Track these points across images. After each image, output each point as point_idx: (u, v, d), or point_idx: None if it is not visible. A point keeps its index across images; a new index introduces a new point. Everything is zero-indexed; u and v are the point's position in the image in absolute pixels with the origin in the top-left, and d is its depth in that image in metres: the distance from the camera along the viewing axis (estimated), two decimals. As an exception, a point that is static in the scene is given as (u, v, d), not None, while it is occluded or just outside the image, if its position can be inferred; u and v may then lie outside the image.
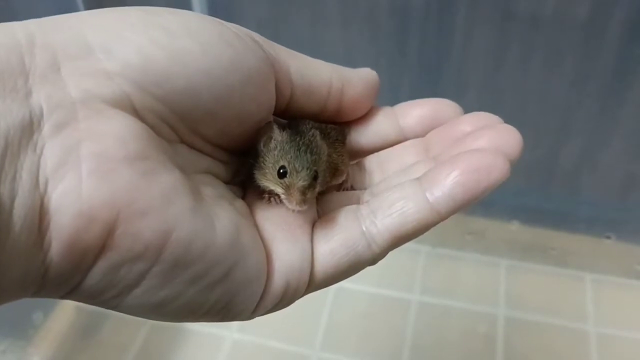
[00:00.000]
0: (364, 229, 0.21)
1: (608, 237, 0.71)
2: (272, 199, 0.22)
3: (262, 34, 0.21)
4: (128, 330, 0.66)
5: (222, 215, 0.19)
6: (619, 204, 0.74)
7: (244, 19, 0.68)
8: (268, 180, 0.22)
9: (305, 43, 0.69)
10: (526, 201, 0.76)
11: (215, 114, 0.19)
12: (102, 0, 0.69)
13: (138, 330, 0.65)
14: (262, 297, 0.20)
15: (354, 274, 0.22)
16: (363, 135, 0.25)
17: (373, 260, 0.21)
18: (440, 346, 0.63)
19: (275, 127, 0.22)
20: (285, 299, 0.21)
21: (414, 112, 0.25)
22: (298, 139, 0.22)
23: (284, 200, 0.22)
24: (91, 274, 0.16)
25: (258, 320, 0.23)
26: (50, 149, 0.16)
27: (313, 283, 0.21)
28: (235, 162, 0.23)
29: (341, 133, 0.25)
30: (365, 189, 0.25)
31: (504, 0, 0.60)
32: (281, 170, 0.21)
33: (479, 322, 0.65)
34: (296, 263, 0.20)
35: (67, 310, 0.67)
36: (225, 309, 0.19)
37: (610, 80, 0.63)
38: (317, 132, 0.23)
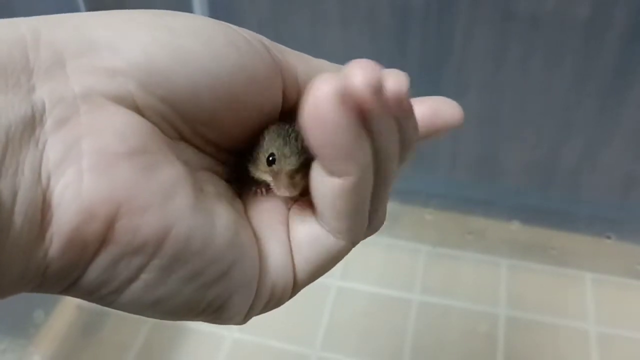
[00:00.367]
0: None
1: (608, 237, 0.71)
2: (258, 190, 0.22)
3: (262, 34, 0.21)
4: (129, 329, 0.66)
5: (223, 214, 0.19)
6: (620, 204, 0.74)
7: (245, 18, 0.68)
8: (259, 171, 0.22)
9: (306, 43, 0.69)
10: (526, 201, 0.76)
11: (218, 117, 0.19)
12: (104, 0, 0.69)
13: (139, 328, 0.66)
14: (254, 299, 0.20)
15: (330, 263, 0.21)
16: None
17: (344, 249, 0.21)
18: (440, 345, 0.63)
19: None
20: (272, 301, 0.21)
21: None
22: (287, 126, 0.22)
23: (273, 188, 0.21)
24: (91, 268, 0.16)
25: (258, 319, 0.23)
26: (52, 144, 0.16)
27: (296, 281, 0.21)
28: (235, 162, 0.23)
29: None
30: None
31: (504, 0, 0.60)
32: (270, 158, 0.21)
33: (479, 322, 0.65)
34: (281, 261, 0.20)
35: (68, 309, 0.67)
36: (221, 309, 0.19)
37: (611, 80, 0.63)
38: None
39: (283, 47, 0.22)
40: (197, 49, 0.18)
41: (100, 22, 0.18)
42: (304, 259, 0.20)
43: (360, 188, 0.18)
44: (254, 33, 0.20)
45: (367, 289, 0.69)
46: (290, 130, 0.21)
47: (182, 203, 0.17)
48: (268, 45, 0.21)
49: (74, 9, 0.65)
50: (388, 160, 0.19)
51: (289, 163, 0.21)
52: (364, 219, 0.20)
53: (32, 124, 0.16)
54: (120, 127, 0.17)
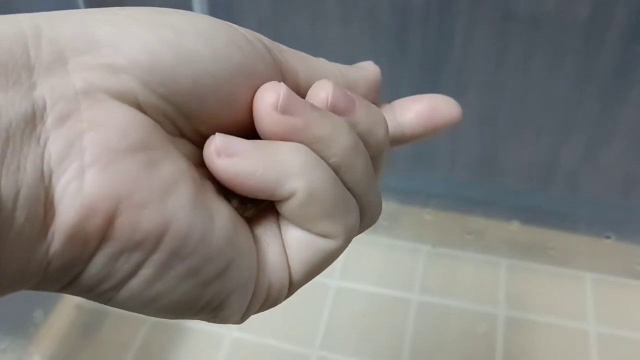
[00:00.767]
0: None
1: (608, 237, 0.71)
2: None
3: (262, 33, 0.21)
4: (128, 328, 0.66)
5: (222, 211, 0.19)
6: (620, 204, 0.74)
7: (245, 17, 0.68)
8: None
9: (306, 42, 0.69)
10: (526, 201, 0.76)
11: (219, 117, 0.19)
12: (103, 0, 0.69)
13: (138, 328, 0.66)
14: (251, 298, 0.20)
15: (328, 264, 0.21)
16: None
17: (337, 249, 0.21)
18: (440, 345, 0.63)
19: None
20: (268, 301, 0.21)
21: (412, 107, 0.25)
22: None
23: None
24: (91, 264, 0.16)
25: (258, 319, 0.23)
26: (54, 140, 0.16)
27: (292, 280, 0.21)
28: None
29: None
30: None
31: (504, 0, 0.60)
32: None
33: (478, 322, 0.65)
34: (276, 262, 0.20)
35: (67, 309, 0.67)
36: (219, 308, 0.19)
37: (611, 80, 0.63)
38: None
39: (283, 46, 0.22)
40: (199, 48, 0.18)
41: (102, 19, 0.18)
42: (298, 260, 0.20)
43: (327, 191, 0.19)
44: (254, 32, 0.20)
45: (366, 289, 0.69)
46: None
47: (182, 199, 0.17)
48: (268, 44, 0.21)
49: (73, 7, 0.65)
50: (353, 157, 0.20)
51: None
52: (350, 215, 0.20)
53: (33, 121, 0.15)
54: (122, 123, 0.17)
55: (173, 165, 0.17)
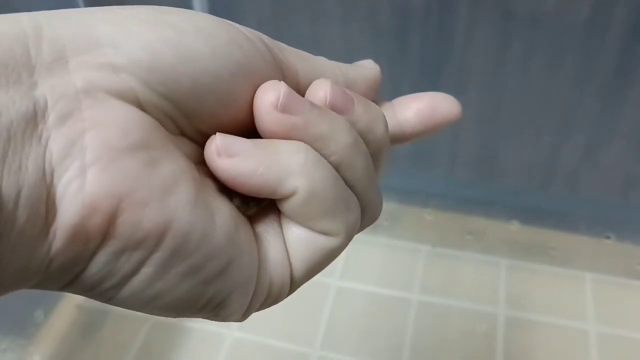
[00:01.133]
0: None
1: (608, 237, 0.71)
2: None
3: (262, 33, 0.21)
4: (129, 328, 0.66)
5: (223, 209, 0.19)
6: (620, 204, 0.74)
7: (245, 17, 0.68)
8: None
9: (306, 42, 0.69)
10: (526, 201, 0.76)
11: (219, 116, 0.19)
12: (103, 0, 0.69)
13: (139, 328, 0.66)
14: (252, 296, 0.20)
15: (329, 262, 0.21)
16: None
17: (338, 247, 0.21)
18: (440, 345, 0.64)
19: None
20: (269, 299, 0.21)
21: (412, 106, 0.25)
22: None
23: None
24: (92, 262, 0.16)
25: (258, 318, 0.23)
26: (55, 139, 0.16)
27: (292, 281, 0.21)
28: None
29: None
30: None
31: (504, -1, 0.60)
32: None
33: (479, 322, 0.65)
34: (277, 261, 0.20)
35: (68, 309, 0.68)
36: (220, 306, 0.19)
37: (612, 79, 0.63)
38: None
39: (283, 45, 0.22)
40: (199, 47, 0.18)
41: (102, 19, 0.18)
42: (299, 258, 0.20)
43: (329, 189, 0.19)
44: (255, 31, 0.20)
45: (366, 289, 0.69)
46: None
47: (183, 198, 0.17)
48: (268, 43, 0.21)
49: (73, 6, 0.65)
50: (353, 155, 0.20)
51: None
52: (351, 213, 0.21)
53: (34, 120, 0.16)
54: (123, 122, 0.17)
55: (174, 164, 0.18)
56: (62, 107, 0.16)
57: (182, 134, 0.19)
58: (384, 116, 0.22)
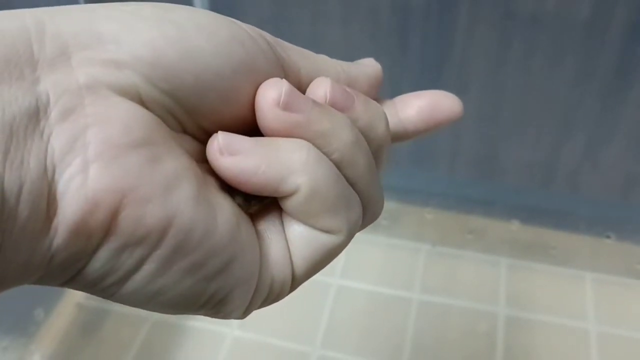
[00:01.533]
0: None
1: (608, 237, 0.71)
2: None
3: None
4: (129, 328, 0.66)
5: (225, 206, 0.19)
6: (620, 204, 0.74)
7: (246, 17, 0.68)
8: None
9: (306, 41, 0.69)
10: (526, 200, 0.76)
11: (221, 113, 0.19)
12: (104, -1, 0.69)
13: (139, 327, 0.66)
14: (253, 294, 0.20)
15: (331, 260, 0.21)
16: None
17: (340, 245, 0.21)
18: (440, 344, 0.64)
19: None
20: (271, 296, 0.21)
21: (414, 103, 0.25)
22: None
23: None
24: (94, 259, 0.16)
25: (259, 317, 0.23)
26: (57, 135, 0.16)
27: (294, 279, 0.21)
28: None
29: None
30: None
31: (505, -1, 0.60)
32: None
33: (479, 321, 0.65)
34: (279, 258, 0.20)
35: (68, 307, 0.68)
36: (221, 303, 0.19)
37: (612, 79, 0.63)
38: None
39: (285, 43, 0.22)
40: (201, 44, 0.18)
41: (105, 15, 0.18)
42: (301, 256, 0.20)
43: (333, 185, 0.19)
44: (256, 28, 0.21)
45: (367, 288, 0.69)
46: None
47: (185, 194, 0.17)
48: (270, 40, 0.21)
49: (74, 3, 0.65)
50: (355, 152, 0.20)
51: None
52: (353, 210, 0.21)
53: (36, 116, 0.16)
54: (125, 118, 0.17)
55: (176, 161, 0.18)
56: (65, 103, 0.16)
57: (184, 131, 0.19)
58: (385, 114, 0.22)
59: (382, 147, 0.22)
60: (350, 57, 0.25)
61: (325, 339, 0.64)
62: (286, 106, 0.19)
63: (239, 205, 0.20)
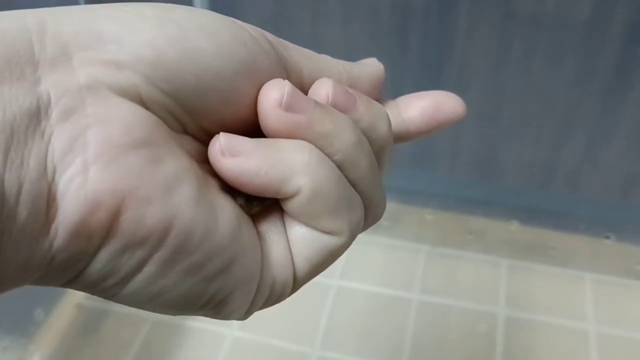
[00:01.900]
0: None
1: (608, 237, 0.71)
2: None
3: (264, 32, 0.21)
4: (129, 328, 0.66)
5: (226, 207, 0.19)
6: (620, 204, 0.74)
7: (246, 17, 0.68)
8: None
9: (307, 41, 0.69)
10: (526, 201, 0.76)
11: (222, 114, 0.19)
12: (104, -1, 0.69)
13: (139, 327, 0.66)
14: (255, 295, 0.20)
15: (333, 261, 0.21)
16: None
17: (342, 246, 0.21)
18: (440, 345, 0.64)
19: None
20: (272, 297, 0.21)
21: (416, 104, 0.25)
22: None
23: None
24: (95, 260, 0.16)
25: (258, 318, 0.23)
26: (58, 135, 0.16)
27: (295, 280, 0.21)
28: None
29: None
30: None
31: (505, -1, 0.60)
32: None
33: (479, 321, 0.65)
34: (281, 258, 0.20)
35: (68, 308, 0.68)
36: (222, 304, 0.19)
37: (612, 79, 0.63)
38: None
39: (287, 43, 0.22)
40: (203, 44, 0.18)
41: (106, 15, 0.18)
42: (303, 257, 0.20)
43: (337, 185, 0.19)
44: (258, 28, 0.20)
45: (367, 289, 0.69)
46: None
47: (186, 195, 0.17)
48: (272, 41, 0.21)
49: (75, 4, 0.65)
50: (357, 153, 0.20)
51: None
52: (355, 212, 0.21)
53: (37, 116, 0.16)
54: (126, 119, 0.17)
55: (176, 162, 0.18)
56: (65, 103, 0.16)
57: (185, 132, 0.19)
58: (387, 115, 0.22)
59: (384, 148, 0.22)
60: (350, 57, 0.25)
61: (325, 340, 0.64)
62: (288, 107, 0.19)
63: (241, 206, 0.20)
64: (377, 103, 0.22)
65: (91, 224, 0.16)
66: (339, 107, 0.21)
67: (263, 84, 0.20)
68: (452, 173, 0.77)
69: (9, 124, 0.15)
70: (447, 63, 0.66)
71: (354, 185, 0.21)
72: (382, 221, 0.73)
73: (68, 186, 0.16)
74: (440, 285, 0.69)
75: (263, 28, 0.21)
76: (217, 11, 0.20)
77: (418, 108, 0.25)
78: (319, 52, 0.24)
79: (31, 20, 0.16)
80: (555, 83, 0.65)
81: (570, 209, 0.75)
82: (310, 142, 0.19)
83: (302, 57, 0.22)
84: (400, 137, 0.25)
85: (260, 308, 0.21)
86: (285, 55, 0.21)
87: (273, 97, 0.19)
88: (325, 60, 0.23)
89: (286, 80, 0.19)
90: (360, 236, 0.23)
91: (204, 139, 0.20)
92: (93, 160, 0.16)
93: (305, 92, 0.21)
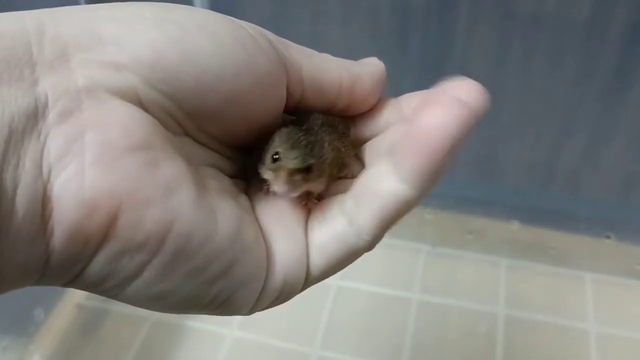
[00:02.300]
0: (350, 218, 0.20)
1: (608, 237, 0.71)
2: (270, 190, 0.22)
3: (264, 32, 0.21)
4: (129, 328, 0.66)
5: (225, 209, 0.19)
6: (620, 204, 0.74)
7: (246, 17, 0.68)
8: (265, 170, 0.21)
9: (307, 42, 0.69)
10: (526, 201, 0.76)
11: (223, 114, 0.19)
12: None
13: (139, 327, 0.66)
14: (261, 294, 0.20)
15: (350, 263, 0.21)
16: (367, 127, 0.25)
17: (367, 248, 0.21)
18: (440, 345, 0.64)
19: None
20: (282, 296, 0.21)
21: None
22: (300, 134, 0.22)
23: (271, 184, 0.21)
24: (93, 262, 0.16)
25: (258, 318, 0.23)
26: (54, 137, 0.16)
27: (309, 278, 0.21)
28: (240, 157, 0.23)
29: (347, 126, 0.25)
30: None
31: (505, -1, 0.60)
32: (275, 156, 0.21)
33: (479, 321, 0.65)
34: (294, 259, 0.20)
35: (68, 307, 0.67)
36: (225, 304, 0.19)
37: (612, 79, 0.63)
38: (327, 138, 0.23)
39: (287, 41, 0.22)
40: (204, 46, 0.18)
41: (106, 16, 0.18)
42: (325, 257, 0.20)
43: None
44: (258, 27, 0.20)
45: (367, 288, 0.69)
46: (301, 137, 0.22)
47: (184, 199, 0.17)
48: (272, 40, 0.21)
49: (74, 3, 0.65)
50: None
51: (290, 162, 0.21)
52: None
53: (34, 116, 0.16)
54: (124, 122, 0.17)
55: (175, 165, 0.18)
56: (63, 105, 0.16)
57: (185, 133, 0.19)
58: None
59: None
60: (350, 57, 0.25)
61: (325, 340, 0.64)
62: None
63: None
64: None
65: (88, 227, 0.16)
66: None
67: (262, 83, 0.20)
68: (452, 173, 0.77)
69: (7, 124, 0.15)
70: (447, 63, 0.66)
71: None
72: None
73: (64, 188, 0.16)
74: (440, 285, 0.69)
75: (263, 27, 0.21)
76: (217, 11, 0.20)
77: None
78: (319, 51, 0.24)
79: (30, 22, 0.16)
80: (555, 83, 0.65)
81: (571, 209, 0.75)
82: None
83: (303, 55, 0.22)
84: None
85: (270, 305, 0.21)
86: (285, 54, 0.21)
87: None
88: (326, 59, 0.23)
89: None
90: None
91: (204, 140, 0.20)
92: (90, 163, 0.16)
93: (305, 91, 0.21)
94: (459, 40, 0.64)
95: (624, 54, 0.60)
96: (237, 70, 0.19)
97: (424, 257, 0.72)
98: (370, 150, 0.25)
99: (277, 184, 0.21)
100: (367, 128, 0.25)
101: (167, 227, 0.17)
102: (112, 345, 0.65)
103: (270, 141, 0.22)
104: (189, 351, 0.64)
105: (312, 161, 0.21)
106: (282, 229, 0.21)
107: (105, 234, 0.16)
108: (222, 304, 0.19)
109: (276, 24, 0.69)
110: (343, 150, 0.24)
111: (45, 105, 0.16)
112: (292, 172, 0.21)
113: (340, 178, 0.25)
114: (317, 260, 0.21)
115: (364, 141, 0.26)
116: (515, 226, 0.74)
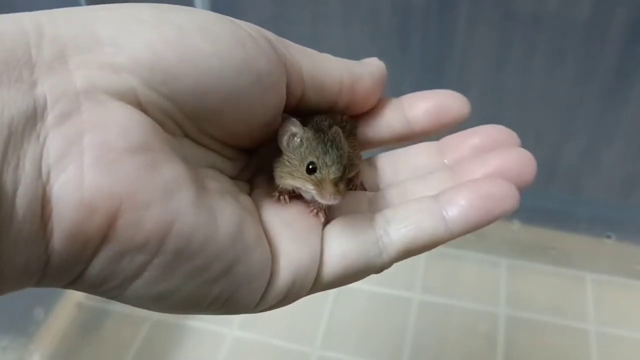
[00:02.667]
0: (378, 237, 0.22)
1: (609, 237, 0.71)
2: (282, 197, 0.23)
3: (265, 32, 0.21)
4: (129, 327, 0.66)
5: (226, 210, 0.19)
6: (620, 204, 0.74)
7: (246, 17, 0.68)
8: (295, 178, 0.22)
9: (307, 41, 0.69)
10: (527, 201, 0.76)
11: (222, 114, 0.19)
12: (105, -1, 0.69)
13: (139, 327, 0.66)
14: (265, 293, 0.20)
15: (359, 279, 0.22)
16: (370, 127, 0.25)
17: (381, 268, 0.22)
18: (440, 345, 0.64)
19: (298, 124, 0.22)
20: (290, 296, 0.21)
21: (421, 104, 0.25)
22: (322, 135, 0.22)
23: (315, 196, 0.22)
24: (93, 264, 0.16)
25: (259, 318, 0.23)
26: (53, 139, 0.16)
27: (320, 283, 0.21)
28: (241, 158, 0.23)
29: (354, 125, 0.25)
30: (377, 189, 0.25)
31: (505, -1, 0.60)
32: (310, 166, 0.22)
33: (479, 321, 0.65)
34: (304, 262, 0.20)
35: (68, 307, 0.68)
36: (227, 303, 0.19)
37: (612, 80, 0.63)
38: (340, 130, 0.23)
39: (287, 41, 0.22)
40: (202, 46, 0.18)
41: (104, 17, 0.18)
42: (342, 265, 0.21)
43: None
44: (258, 27, 0.20)
45: (367, 288, 0.69)
46: (326, 139, 0.22)
47: (184, 200, 0.17)
48: (272, 40, 0.21)
49: (74, 4, 0.65)
50: None
51: (332, 172, 0.22)
52: None
53: (33, 118, 0.16)
54: (123, 123, 0.17)
55: (174, 167, 0.18)
56: (62, 107, 0.16)
57: (185, 135, 0.19)
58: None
59: None
60: (351, 57, 0.25)
61: (326, 339, 0.64)
62: None
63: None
64: None
65: (88, 227, 0.16)
66: None
67: (262, 84, 0.20)
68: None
69: (6, 125, 0.15)
70: (447, 63, 0.66)
71: None
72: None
73: (63, 189, 0.16)
74: (441, 285, 0.69)
75: (263, 28, 0.21)
76: (217, 11, 0.20)
77: (422, 109, 0.25)
78: (319, 51, 0.24)
79: (29, 23, 0.17)
80: (555, 83, 0.65)
81: (571, 209, 0.75)
82: None
83: (303, 55, 0.22)
84: (405, 137, 0.25)
85: (277, 305, 0.21)
86: (286, 54, 0.21)
87: None
88: (327, 59, 0.23)
89: None
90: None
91: (203, 141, 0.20)
92: (90, 165, 0.16)
93: (306, 90, 0.21)
94: (459, 40, 0.64)
95: (624, 54, 0.60)
96: (237, 71, 0.19)
97: (425, 257, 0.72)
98: (389, 165, 0.26)
99: (325, 196, 0.21)
100: (369, 128, 0.25)
101: (166, 228, 0.17)
102: (112, 344, 0.65)
103: (288, 144, 0.22)
104: (189, 351, 0.64)
105: (344, 164, 0.22)
106: (293, 233, 0.21)
107: (105, 235, 0.16)
108: (225, 303, 0.19)
109: (276, 24, 0.69)
110: (350, 150, 0.24)
111: (44, 107, 0.16)
112: (336, 181, 0.21)
113: (348, 183, 0.25)
114: (332, 267, 0.21)
115: (367, 142, 0.26)
116: (515, 226, 0.74)
